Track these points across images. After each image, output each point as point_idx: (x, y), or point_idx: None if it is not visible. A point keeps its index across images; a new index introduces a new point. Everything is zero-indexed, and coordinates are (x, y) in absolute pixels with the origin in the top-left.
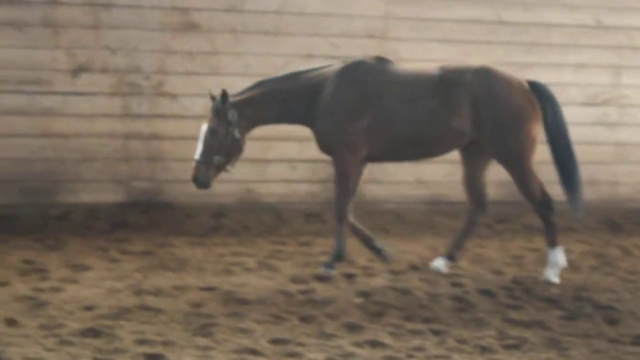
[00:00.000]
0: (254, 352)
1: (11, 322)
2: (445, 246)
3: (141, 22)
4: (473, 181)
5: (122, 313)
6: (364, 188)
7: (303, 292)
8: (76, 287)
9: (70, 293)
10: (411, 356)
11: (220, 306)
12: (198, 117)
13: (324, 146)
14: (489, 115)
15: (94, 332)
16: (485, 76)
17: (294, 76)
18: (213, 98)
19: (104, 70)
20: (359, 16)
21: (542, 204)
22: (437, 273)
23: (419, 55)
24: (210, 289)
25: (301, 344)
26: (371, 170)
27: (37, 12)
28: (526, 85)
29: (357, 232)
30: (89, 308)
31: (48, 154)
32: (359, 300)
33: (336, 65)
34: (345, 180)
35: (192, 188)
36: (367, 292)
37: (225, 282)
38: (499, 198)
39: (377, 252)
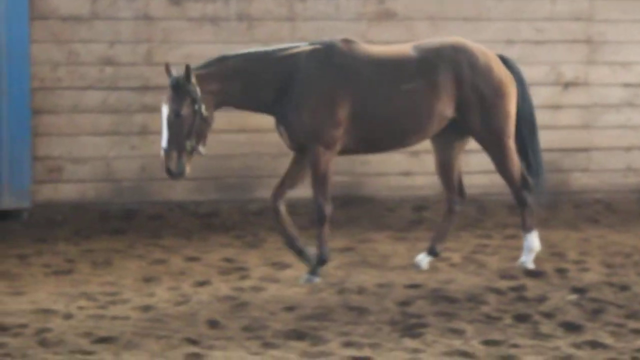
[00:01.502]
0: (466, 354)
1: (214, 324)
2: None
3: (336, 13)
4: (447, 168)
5: (326, 313)
6: (571, 177)
7: (514, 289)
8: (277, 286)
9: (271, 292)
10: (636, 358)
11: (428, 305)
12: None
13: (296, 141)
14: (473, 93)
15: (298, 334)
16: (464, 52)
17: (260, 56)
18: (169, 73)
19: None
20: None
21: (523, 186)
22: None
23: (629, 37)
24: (416, 286)
25: (516, 346)
26: (579, 158)
27: (233, 7)
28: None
29: (282, 228)
30: (291, 308)
31: (245, 150)
32: (573, 297)
33: (305, 47)
34: (323, 180)
35: (392, 181)
36: (582, 288)
37: (431, 279)
38: None
39: (299, 253)
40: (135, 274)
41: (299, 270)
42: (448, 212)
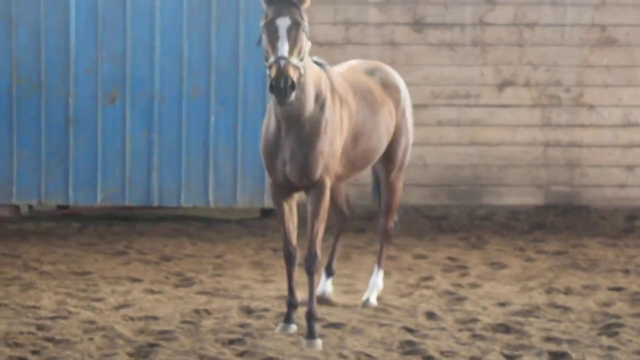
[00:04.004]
0: None
1: (431, 315)
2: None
3: (562, 39)
4: (337, 191)
5: (532, 310)
6: None
7: None
8: (492, 284)
9: (486, 289)
10: None
11: (627, 307)
12: (615, 127)
13: (304, 176)
14: (403, 119)
15: (504, 328)
16: (397, 80)
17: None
18: None
19: (527, 84)
20: None
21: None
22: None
23: None
24: (618, 289)
25: None
26: None
27: (468, 33)
28: None
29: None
30: (502, 304)
31: (475, 161)
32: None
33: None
34: (325, 215)
35: (607, 192)
36: None
37: (633, 283)
38: None
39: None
40: (368, 268)
41: (515, 270)
42: (344, 229)
